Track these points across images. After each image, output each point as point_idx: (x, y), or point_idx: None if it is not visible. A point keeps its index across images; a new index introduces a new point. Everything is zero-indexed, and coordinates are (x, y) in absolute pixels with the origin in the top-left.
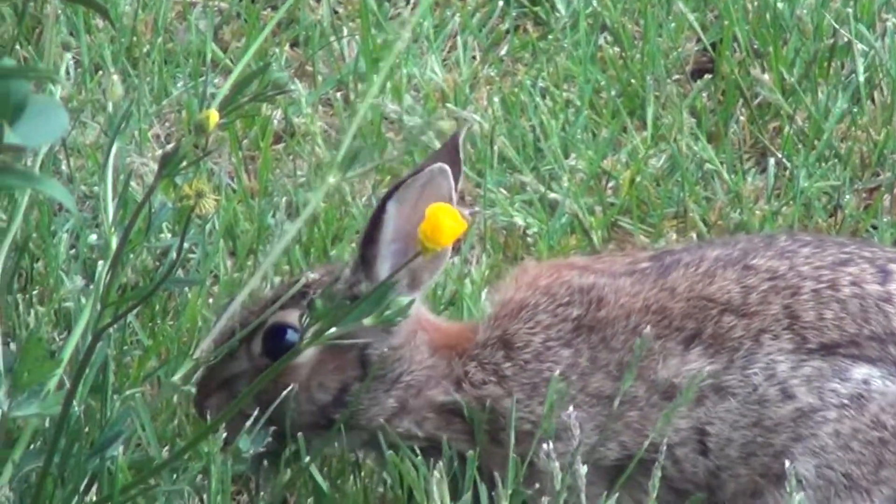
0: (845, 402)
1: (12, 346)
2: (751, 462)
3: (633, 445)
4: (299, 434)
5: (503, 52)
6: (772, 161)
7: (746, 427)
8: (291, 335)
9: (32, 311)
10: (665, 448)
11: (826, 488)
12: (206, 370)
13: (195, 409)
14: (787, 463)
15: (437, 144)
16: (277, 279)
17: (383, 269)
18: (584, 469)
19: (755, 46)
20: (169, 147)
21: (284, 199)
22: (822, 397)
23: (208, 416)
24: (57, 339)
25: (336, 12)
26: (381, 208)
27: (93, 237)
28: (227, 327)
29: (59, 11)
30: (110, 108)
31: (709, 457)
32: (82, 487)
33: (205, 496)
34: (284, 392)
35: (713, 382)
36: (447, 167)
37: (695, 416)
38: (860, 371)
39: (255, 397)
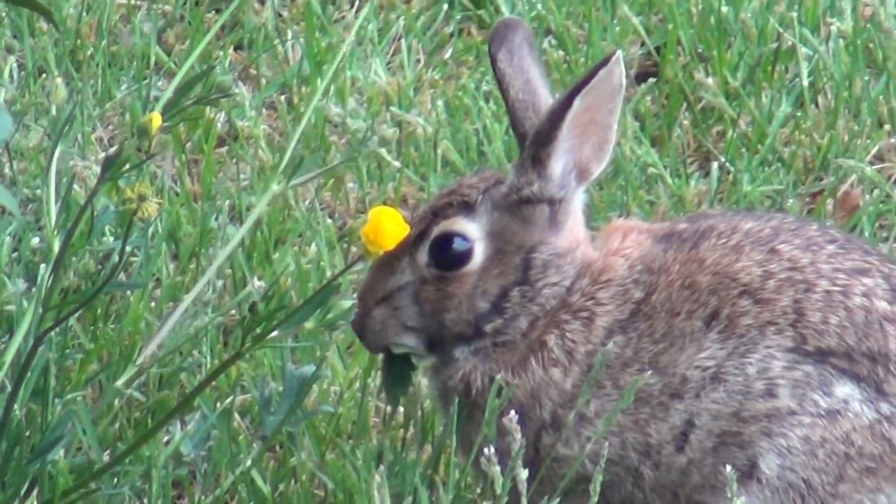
0: (822, 413)
1: None
2: (720, 451)
3: (630, 446)
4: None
5: (447, 55)
6: (715, 165)
7: (726, 417)
8: (459, 243)
9: None
10: (652, 453)
11: (785, 491)
12: (365, 284)
13: (354, 327)
14: (754, 463)
15: (381, 150)
16: (220, 283)
17: (557, 167)
18: (524, 473)
19: (699, 50)
20: (112, 150)
21: (227, 202)
22: (802, 403)
23: (369, 331)
24: None
25: (280, 15)
26: (566, 105)
27: (35, 240)
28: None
29: (3, 14)
30: (54, 111)
31: (685, 452)
32: (23, 491)
33: (145, 500)
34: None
35: (715, 371)
36: (620, 52)
37: (690, 409)
38: (843, 389)
39: (419, 309)
